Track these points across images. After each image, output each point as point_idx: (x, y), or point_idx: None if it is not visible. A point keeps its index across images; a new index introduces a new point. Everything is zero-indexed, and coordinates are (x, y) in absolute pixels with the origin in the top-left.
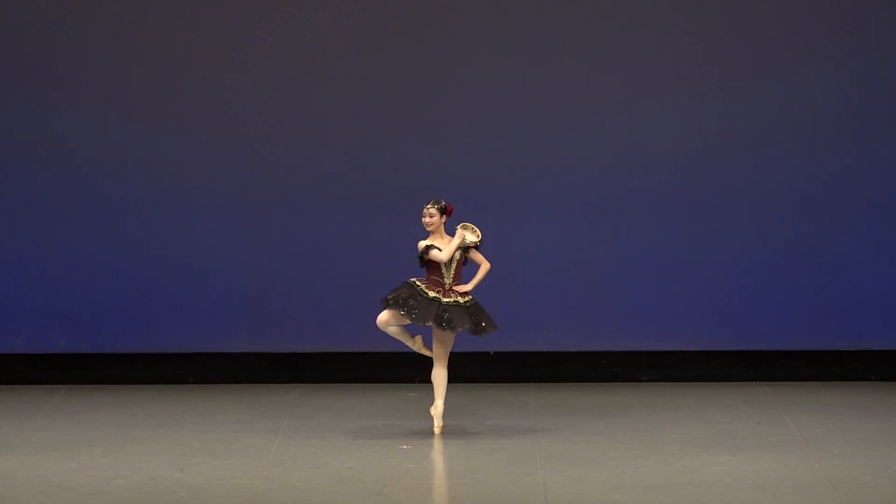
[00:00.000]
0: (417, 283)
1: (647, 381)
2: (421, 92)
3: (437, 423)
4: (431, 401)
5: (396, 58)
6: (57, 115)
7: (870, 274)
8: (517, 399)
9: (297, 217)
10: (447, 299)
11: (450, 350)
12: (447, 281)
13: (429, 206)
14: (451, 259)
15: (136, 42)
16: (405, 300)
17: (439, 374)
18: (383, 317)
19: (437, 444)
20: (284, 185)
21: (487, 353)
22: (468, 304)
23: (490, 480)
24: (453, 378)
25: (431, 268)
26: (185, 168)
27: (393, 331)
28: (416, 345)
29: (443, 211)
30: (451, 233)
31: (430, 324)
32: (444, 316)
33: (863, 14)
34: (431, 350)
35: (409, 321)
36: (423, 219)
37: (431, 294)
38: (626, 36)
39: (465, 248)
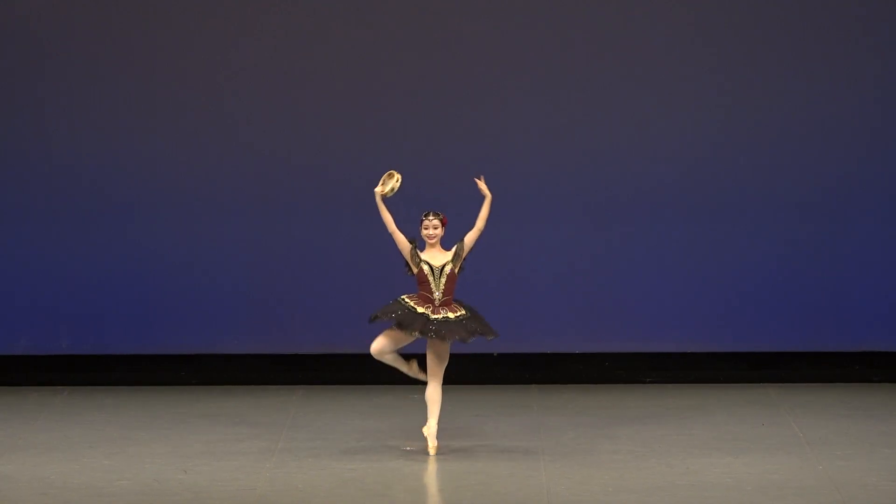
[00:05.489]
0: (406, 299)
1: (650, 382)
2: (422, 95)
3: (432, 444)
4: (425, 419)
5: (398, 61)
6: (58, 118)
7: (872, 276)
8: (520, 401)
9: (299, 219)
10: (436, 316)
11: (444, 365)
12: (437, 296)
13: (431, 217)
14: (441, 272)
15: (137, 44)
16: (391, 311)
17: (433, 392)
18: (377, 345)
19: (440, 446)
20: (287, 187)
21: (491, 355)
22: (461, 318)
23: (493, 482)
24: (457, 379)
25: (420, 282)
26: (187, 170)
27: (389, 358)
28: (412, 370)
29: (443, 223)
30: (447, 247)
31: (416, 334)
32: (431, 328)
33: (867, 17)
34: (426, 373)
35: (404, 336)
36: (425, 231)
37: (420, 310)
38: (630, 38)
39: (458, 257)
